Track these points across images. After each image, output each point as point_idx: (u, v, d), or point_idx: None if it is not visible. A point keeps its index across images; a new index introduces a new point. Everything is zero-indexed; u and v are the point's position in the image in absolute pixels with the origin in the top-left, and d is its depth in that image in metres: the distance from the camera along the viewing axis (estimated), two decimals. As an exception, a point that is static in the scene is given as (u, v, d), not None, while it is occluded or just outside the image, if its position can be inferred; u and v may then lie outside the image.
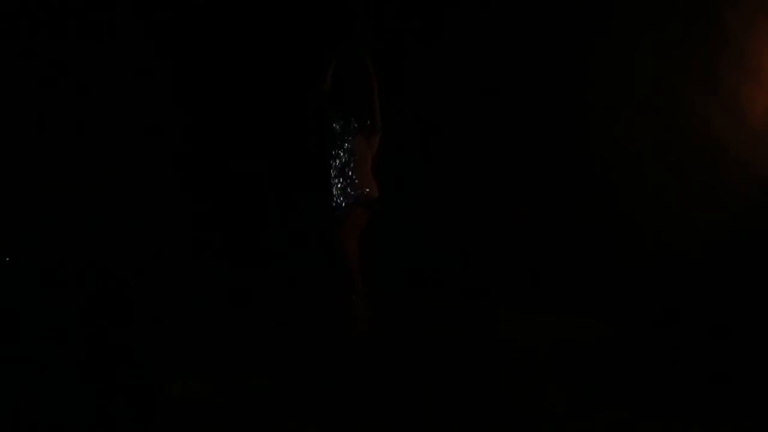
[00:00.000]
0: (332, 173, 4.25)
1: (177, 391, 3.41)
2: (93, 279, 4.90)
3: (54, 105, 5.93)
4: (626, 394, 3.66)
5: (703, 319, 4.65)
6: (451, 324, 4.77)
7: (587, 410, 3.44)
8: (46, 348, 3.78)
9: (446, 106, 5.45)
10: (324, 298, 4.65)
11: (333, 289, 4.29)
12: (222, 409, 3.29)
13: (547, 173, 5.30)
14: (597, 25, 5.02)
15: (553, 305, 4.98)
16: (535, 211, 5.36)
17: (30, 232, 5.37)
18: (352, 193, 4.15)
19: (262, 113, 6.01)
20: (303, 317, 4.64)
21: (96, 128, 6.04)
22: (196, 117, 6.12)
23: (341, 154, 4.23)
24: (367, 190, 4.16)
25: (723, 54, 4.68)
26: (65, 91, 5.95)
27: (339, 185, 4.21)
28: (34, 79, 5.86)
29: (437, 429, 3.22)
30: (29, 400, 3.22)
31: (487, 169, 5.44)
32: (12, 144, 5.77)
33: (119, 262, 5.31)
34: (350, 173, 4.17)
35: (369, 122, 4.18)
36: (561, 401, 3.54)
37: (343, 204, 4.18)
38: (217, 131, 6.15)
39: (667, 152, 4.92)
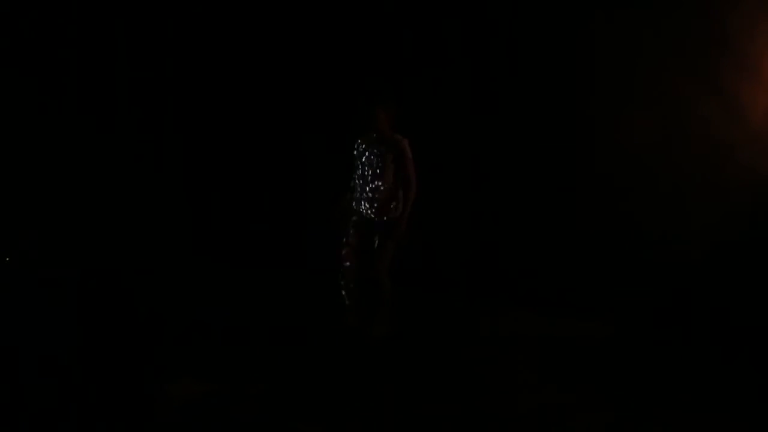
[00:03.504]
0: (356, 187, 4.25)
1: (177, 391, 3.41)
2: (93, 279, 4.90)
3: (54, 105, 5.94)
4: (626, 394, 3.66)
5: (703, 319, 4.65)
6: (451, 323, 4.77)
7: (588, 410, 3.44)
8: (45, 348, 3.78)
9: (448, 106, 5.45)
10: (335, 300, 4.67)
11: (360, 291, 4.30)
12: (222, 409, 3.29)
13: (548, 173, 5.30)
14: (597, 25, 5.02)
15: (554, 305, 4.98)
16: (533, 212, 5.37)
17: (30, 232, 5.37)
18: (373, 210, 4.16)
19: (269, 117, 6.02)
20: (308, 318, 4.65)
21: (97, 128, 6.05)
22: (199, 118, 6.13)
23: (366, 169, 4.21)
24: (381, 215, 4.16)
25: (723, 54, 4.68)
26: (65, 90, 5.96)
27: (363, 200, 4.20)
28: (34, 79, 5.87)
29: (437, 428, 3.22)
30: (29, 399, 3.22)
31: (488, 169, 5.44)
32: (12, 144, 5.78)
33: (119, 262, 5.32)
34: (372, 189, 4.17)
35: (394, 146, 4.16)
36: (561, 401, 3.54)
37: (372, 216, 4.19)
38: (218, 132, 6.16)
39: (668, 153, 4.92)
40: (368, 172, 4.17)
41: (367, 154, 4.19)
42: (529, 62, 5.25)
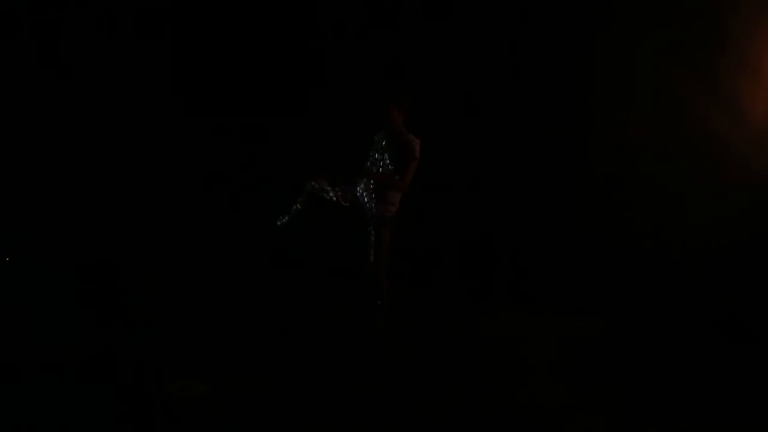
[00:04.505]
0: (360, 189, 4.24)
1: (177, 391, 3.41)
2: (93, 279, 4.90)
3: (54, 105, 5.93)
4: (626, 394, 3.66)
5: (702, 318, 4.66)
6: (450, 323, 4.77)
7: (587, 410, 3.44)
8: (45, 348, 3.78)
9: (448, 107, 5.45)
10: (335, 301, 4.66)
11: (356, 293, 4.30)
12: (222, 409, 3.29)
13: (548, 173, 5.30)
14: (597, 26, 5.03)
15: (555, 304, 4.99)
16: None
17: (30, 232, 5.37)
18: (374, 211, 4.15)
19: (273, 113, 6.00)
20: (309, 318, 4.65)
21: (96, 127, 6.04)
22: (201, 114, 6.12)
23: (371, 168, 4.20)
24: (384, 209, 4.14)
25: (723, 54, 4.69)
26: (65, 90, 5.94)
27: (365, 193, 4.19)
28: (34, 78, 5.86)
29: (436, 428, 3.22)
30: (29, 399, 3.22)
31: (487, 169, 5.45)
32: (12, 144, 5.77)
33: (119, 261, 5.31)
34: (372, 191, 4.15)
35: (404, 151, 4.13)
36: (561, 401, 3.54)
37: (371, 216, 4.17)
38: (222, 128, 6.14)
39: (667, 152, 4.93)
40: (375, 167, 4.17)
41: (377, 149, 4.18)
42: (530, 62, 5.25)
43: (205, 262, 5.62)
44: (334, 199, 4.22)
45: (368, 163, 4.20)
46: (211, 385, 3.50)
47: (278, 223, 4.24)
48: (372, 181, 4.13)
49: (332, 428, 3.17)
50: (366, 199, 4.17)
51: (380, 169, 4.14)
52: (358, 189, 4.21)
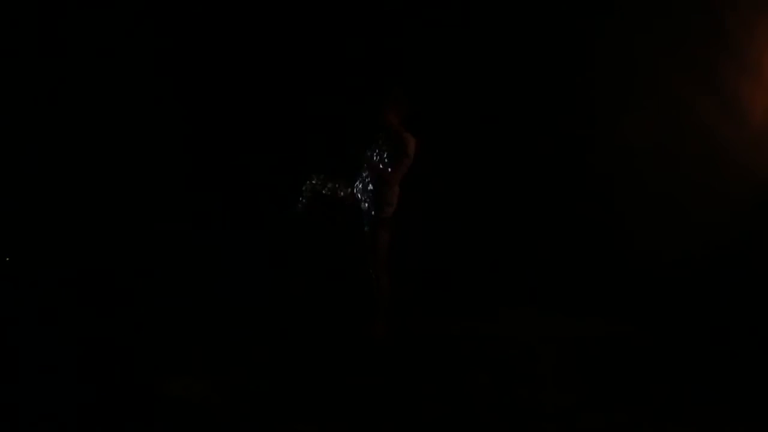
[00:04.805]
0: (358, 189, 4.24)
1: (177, 390, 3.41)
2: (92, 279, 4.90)
3: (54, 104, 5.93)
4: (626, 393, 3.66)
5: (703, 320, 4.66)
6: (451, 323, 4.77)
7: (588, 410, 3.44)
8: (44, 347, 3.78)
9: (448, 107, 5.45)
10: (336, 301, 4.66)
11: (355, 293, 4.30)
12: (222, 408, 3.29)
13: (548, 173, 5.30)
14: (596, 25, 5.03)
15: (555, 304, 4.99)
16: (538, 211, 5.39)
17: (30, 232, 5.37)
18: (371, 211, 4.14)
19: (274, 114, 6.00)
20: (308, 318, 4.65)
21: (96, 126, 6.04)
22: (201, 115, 6.11)
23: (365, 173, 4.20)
24: (381, 209, 4.14)
25: (723, 54, 4.69)
26: (65, 89, 5.94)
27: (363, 193, 4.19)
28: (34, 78, 5.86)
29: (435, 428, 3.22)
30: (28, 399, 3.21)
31: (489, 169, 5.44)
32: (12, 144, 5.77)
33: (118, 262, 5.31)
34: (370, 192, 4.15)
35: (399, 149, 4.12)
36: (561, 400, 3.54)
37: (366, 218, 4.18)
38: (222, 129, 6.14)
39: (667, 153, 4.93)
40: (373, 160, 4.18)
41: (376, 150, 4.19)
42: (529, 62, 5.25)
43: (204, 261, 5.62)
44: (340, 193, 4.23)
45: (367, 153, 4.21)
46: (211, 384, 3.49)
47: (292, 213, 4.25)
48: (368, 172, 4.14)
49: (332, 428, 3.17)
50: (363, 199, 4.17)
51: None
52: (356, 188, 4.22)
